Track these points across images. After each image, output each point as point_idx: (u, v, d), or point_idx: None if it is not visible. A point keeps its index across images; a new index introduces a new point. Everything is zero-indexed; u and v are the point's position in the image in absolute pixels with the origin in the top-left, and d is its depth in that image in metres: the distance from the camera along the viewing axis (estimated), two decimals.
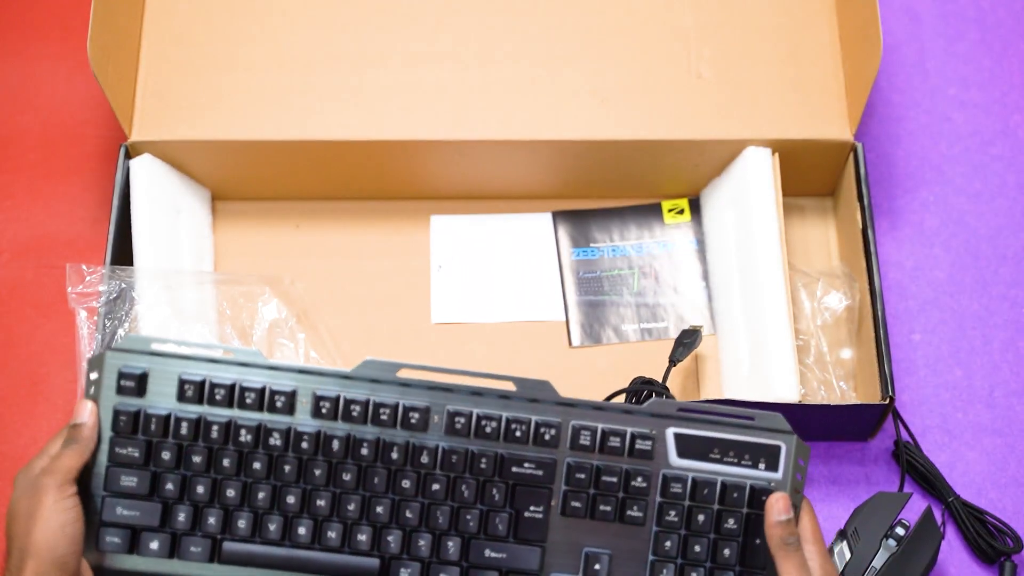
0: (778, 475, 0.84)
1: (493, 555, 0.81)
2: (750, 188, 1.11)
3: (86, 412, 0.83)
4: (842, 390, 1.11)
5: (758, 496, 0.83)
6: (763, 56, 1.15)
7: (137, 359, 0.83)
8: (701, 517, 0.83)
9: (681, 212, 1.19)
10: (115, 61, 1.10)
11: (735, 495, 0.83)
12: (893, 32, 1.28)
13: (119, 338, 1.05)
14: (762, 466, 0.84)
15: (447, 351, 1.14)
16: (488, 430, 0.82)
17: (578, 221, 1.20)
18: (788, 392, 1.05)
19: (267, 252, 1.19)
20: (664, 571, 0.82)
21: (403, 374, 0.83)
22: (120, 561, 0.82)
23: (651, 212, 1.20)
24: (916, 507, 1.08)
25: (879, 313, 1.07)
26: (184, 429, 0.82)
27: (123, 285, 1.06)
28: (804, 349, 1.11)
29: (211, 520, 0.82)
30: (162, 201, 1.13)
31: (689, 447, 0.83)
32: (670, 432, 0.83)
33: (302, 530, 0.81)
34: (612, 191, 1.19)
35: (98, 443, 0.82)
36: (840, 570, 1.00)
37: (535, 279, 1.18)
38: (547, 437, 0.82)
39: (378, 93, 1.14)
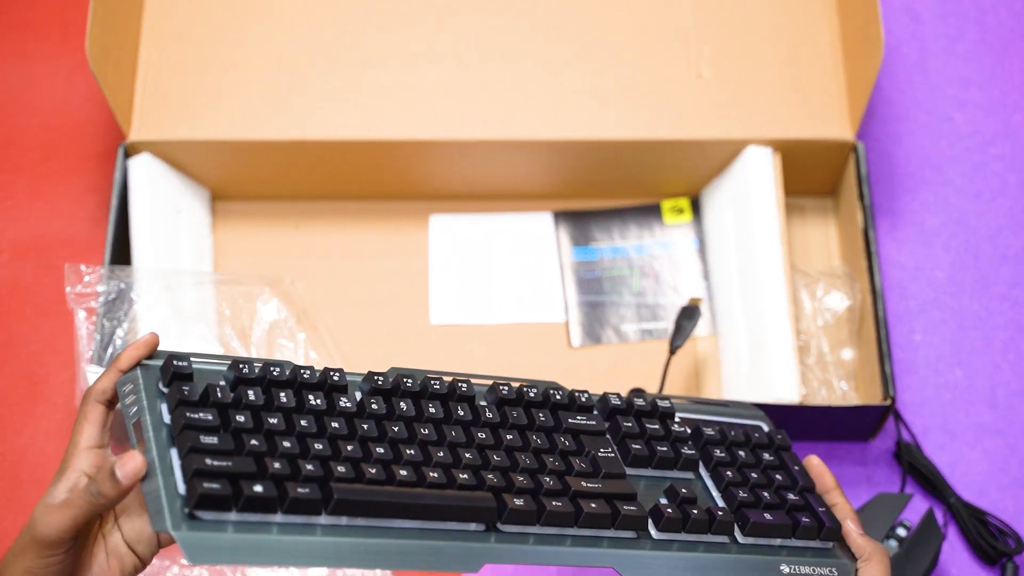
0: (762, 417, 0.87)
1: (591, 485, 0.77)
2: (751, 188, 1.11)
3: (132, 470, 0.66)
4: (843, 390, 1.10)
5: (774, 437, 0.85)
6: (764, 56, 1.15)
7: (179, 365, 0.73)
8: (742, 453, 0.83)
9: (681, 211, 1.19)
10: (114, 61, 1.10)
11: (756, 435, 0.84)
12: (894, 32, 1.28)
13: (118, 341, 1.05)
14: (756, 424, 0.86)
15: (446, 352, 1.14)
16: (531, 395, 0.80)
17: (578, 221, 1.19)
18: (789, 392, 1.05)
19: (267, 252, 1.19)
20: (741, 492, 0.80)
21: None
22: (218, 524, 0.67)
23: (651, 212, 1.19)
24: (917, 508, 1.08)
25: (880, 313, 1.07)
26: (252, 396, 0.72)
27: (122, 285, 1.06)
28: (805, 349, 1.11)
29: (309, 467, 0.70)
30: (161, 201, 1.12)
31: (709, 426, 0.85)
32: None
33: (403, 472, 0.73)
34: (612, 191, 1.19)
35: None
36: None
37: (535, 279, 1.17)
38: (583, 399, 0.82)
39: (378, 93, 1.14)
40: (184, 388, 0.70)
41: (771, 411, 1.03)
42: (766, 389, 1.06)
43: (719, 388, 1.11)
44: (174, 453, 0.69)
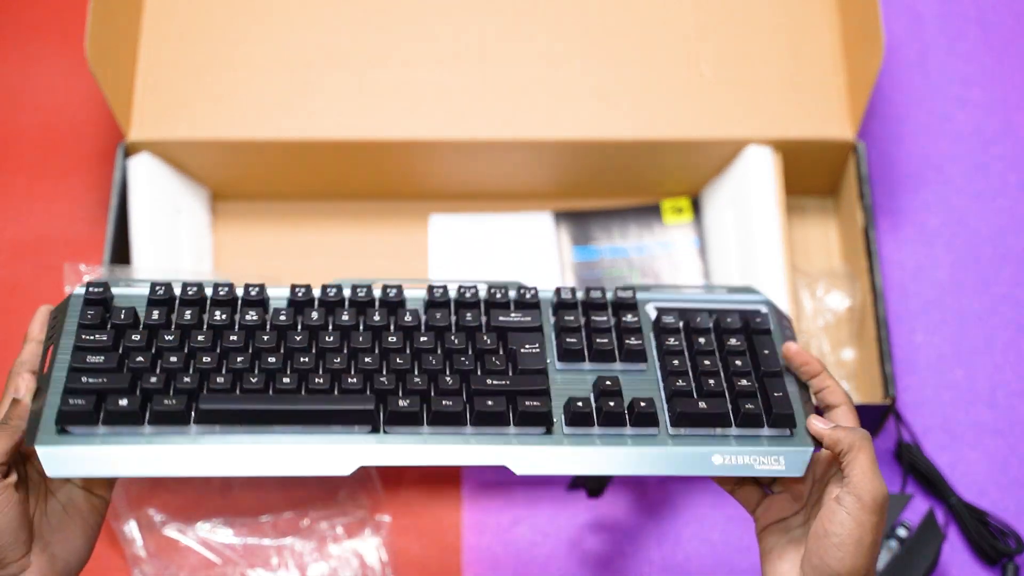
0: (765, 309, 0.82)
1: (495, 382, 0.74)
2: (751, 187, 1.11)
3: (24, 388, 0.73)
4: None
5: (752, 320, 0.80)
6: (764, 55, 1.15)
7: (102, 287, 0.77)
8: (702, 340, 0.78)
9: (681, 211, 1.19)
10: (113, 60, 1.10)
11: (729, 320, 0.79)
12: (895, 32, 1.28)
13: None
14: (747, 313, 0.81)
15: None
16: (468, 295, 0.78)
17: (578, 221, 1.19)
18: None
19: (267, 252, 1.19)
20: (679, 381, 0.76)
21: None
22: (81, 438, 0.71)
23: (651, 212, 1.19)
24: (918, 508, 1.08)
25: (880, 313, 1.07)
26: (155, 315, 0.75)
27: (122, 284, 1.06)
28: (805, 349, 1.11)
29: (185, 379, 0.72)
30: (161, 200, 1.12)
31: (670, 312, 0.81)
32: (650, 305, 0.81)
33: (286, 380, 0.73)
34: (612, 191, 1.19)
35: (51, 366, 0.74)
36: None
37: (535, 279, 1.17)
38: (528, 296, 0.78)
39: (378, 93, 1.14)
40: (89, 312, 0.75)
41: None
42: None
43: None
44: (64, 368, 0.73)
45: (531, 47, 1.16)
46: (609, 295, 0.80)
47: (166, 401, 0.71)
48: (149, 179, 1.12)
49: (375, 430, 0.73)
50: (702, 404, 0.75)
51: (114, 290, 0.78)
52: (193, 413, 0.72)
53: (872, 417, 1.06)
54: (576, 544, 1.07)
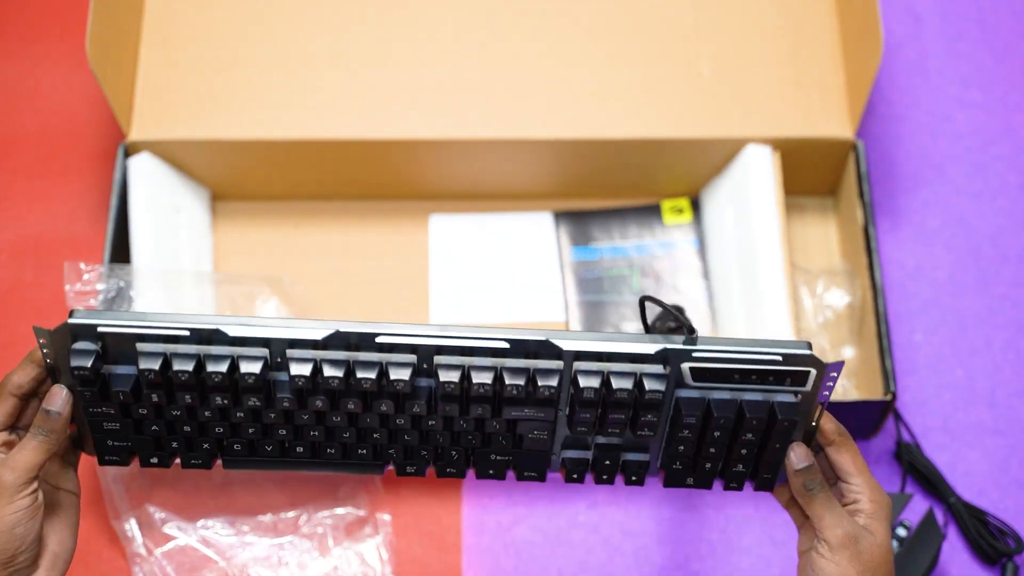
0: (806, 388, 0.75)
1: (498, 457, 0.79)
2: (751, 186, 1.11)
3: (59, 401, 0.74)
4: (844, 388, 1.10)
5: (780, 420, 0.75)
6: (764, 54, 1.15)
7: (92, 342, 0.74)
8: (717, 434, 0.76)
9: (681, 211, 1.19)
10: (114, 60, 1.10)
11: (754, 416, 0.75)
12: (894, 31, 1.28)
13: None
14: (788, 381, 0.75)
15: None
16: (480, 391, 0.75)
17: (578, 221, 1.19)
18: None
19: (267, 252, 1.19)
20: (682, 446, 0.77)
21: (670, 208, 0.79)
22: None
23: (651, 212, 1.19)
24: (918, 508, 1.08)
25: (880, 309, 1.07)
26: (155, 397, 0.75)
27: (121, 284, 1.06)
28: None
29: (206, 446, 0.78)
30: (161, 200, 1.12)
31: (706, 375, 0.76)
32: (685, 366, 0.75)
33: (299, 449, 0.79)
34: (612, 191, 1.19)
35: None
36: None
37: (535, 279, 1.17)
38: (545, 393, 0.75)
39: (378, 93, 1.14)
40: (86, 393, 0.75)
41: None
42: None
43: None
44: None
45: (531, 47, 1.16)
46: (631, 386, 0.75)
47: (193, 460, 0.81)
48: (149, 179, 1.12)
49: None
50: (689, 481, 0.80)
51: (103, 329, 0.74)
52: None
53: (872, 414, 1.06)
54: (576, 544, 1.07)
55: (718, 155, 1.14)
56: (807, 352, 0.75)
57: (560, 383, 0.75)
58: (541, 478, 0.80)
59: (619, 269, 1.17)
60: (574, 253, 1.18)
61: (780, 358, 0.75)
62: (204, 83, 1.14)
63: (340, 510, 1.07)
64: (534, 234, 1.19)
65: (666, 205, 1.20)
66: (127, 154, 1.12)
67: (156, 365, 0.74)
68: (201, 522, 1.06)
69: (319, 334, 0.74)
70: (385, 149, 1.14)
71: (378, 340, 0.74)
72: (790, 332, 1.06)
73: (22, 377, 0.75)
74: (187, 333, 0.74)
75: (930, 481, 1.09)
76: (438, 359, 0.75)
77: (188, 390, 0.75)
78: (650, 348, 0.75)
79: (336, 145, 1.13)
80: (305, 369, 0.74)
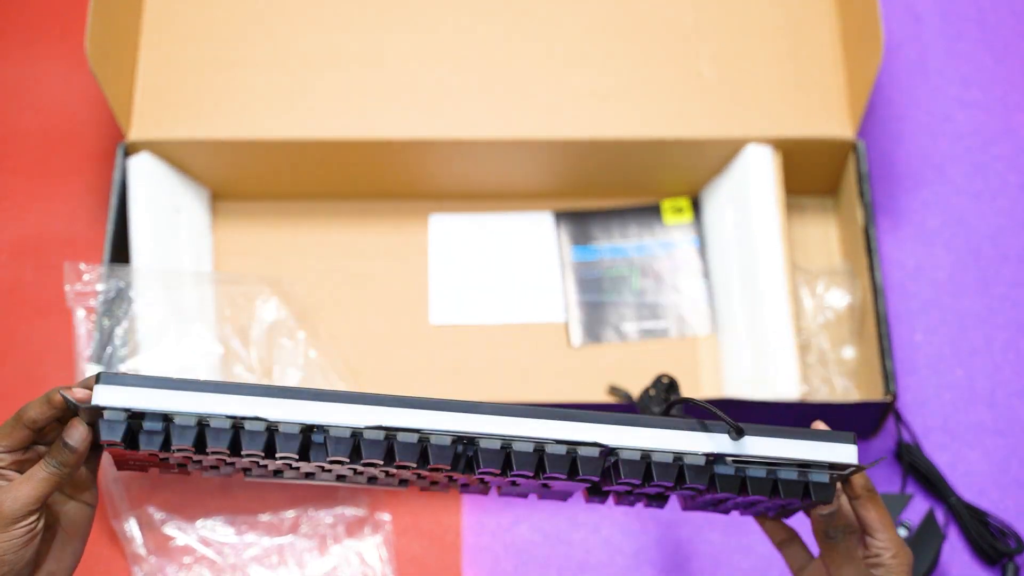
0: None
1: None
2: (751, 186, 1.11)
3: (79, 435, 0.70)
4: (844, 388, 1.10)
5: (816, 491, 0.73)
6: (764, 54, 1.15)
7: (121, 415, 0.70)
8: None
9: (681, 211, 1.19)
10: (114, 60, 1.10)
11: (788, 498, 0.74)
12: (894, 31, 1.28)
13: (116, 340, 1.05)
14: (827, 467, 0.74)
15: (446, 352, 1.14)
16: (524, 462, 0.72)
17: (578, 221, 1.19)
18: (790, 390, 1.05)
19: (267, 252, 1.19)
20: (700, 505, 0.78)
21: (670, 207, 0.76)
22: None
23: (651, 212, 1.19)
24: (918, 508, 1.08)
25: (881, 309, 1.07)
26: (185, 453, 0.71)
27: (121, 284, 1.06)
28: (805, 347, 1.11)
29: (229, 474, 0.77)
30: (161, 200, 1.12)
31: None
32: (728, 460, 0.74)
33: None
34: (612, 191, 1.19)
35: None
36: None
37: (535, 279, 1.17)
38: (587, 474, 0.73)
39: (378, 93, 1.14)
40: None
41: (772, 409, 1.03)
42: (767, 387, 1.06)
43: (720, 387, 1.11)
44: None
45: (531, 47, 1.16)
46: (672, 476, 0.74)
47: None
48: (149, 179, 1.12)
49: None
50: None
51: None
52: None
53: (872, 414, 1.06)
54: (576, 544, 1.07)
55: (718, 155, 1.14)
56: (853, 463, 0.73)
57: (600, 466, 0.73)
58: (563, 497, 0.79)
59: (619, 269, 1.17)
60: (574, 253, 1.18)
61: (826, 477, 0.74)
62: (204, 83, 1.14)
63: (340, 510, 1.07)
64: (534, 234, 1.19)
65: (666, 205, 1.20)
66: (127, 154, 1.12)
67: (189, 442, 0.70)
68: (201, 522, 1.06)
69: (358, 418, 0.70)
70: (385, 149, 1.13)
71: (419, 427, 0.71)
72: (791, 331, 1.06)
73: (38, 414, 0.71)
74: (226, 424, 0.70)
75: (930, 481, 1.09)
76: (482, 443, 0.72)
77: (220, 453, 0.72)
78: (697, 449, 0.73)
79: (336, 145, 1.13)
80: (344, 448, 0.71)
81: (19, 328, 1.16)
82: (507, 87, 1.14)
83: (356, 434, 0.70)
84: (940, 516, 1.08)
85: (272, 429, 0.70)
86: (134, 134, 1.12)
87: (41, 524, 0.71)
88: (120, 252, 1.10)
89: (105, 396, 0.68)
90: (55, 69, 1.27)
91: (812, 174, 1.16)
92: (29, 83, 1.27)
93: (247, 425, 0.70)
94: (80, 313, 1.05)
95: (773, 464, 0.73)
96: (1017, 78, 1.27)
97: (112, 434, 0.69)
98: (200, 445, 0.70)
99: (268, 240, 1.19)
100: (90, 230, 1.19)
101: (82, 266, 1.06)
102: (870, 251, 1.09)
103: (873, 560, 0.76)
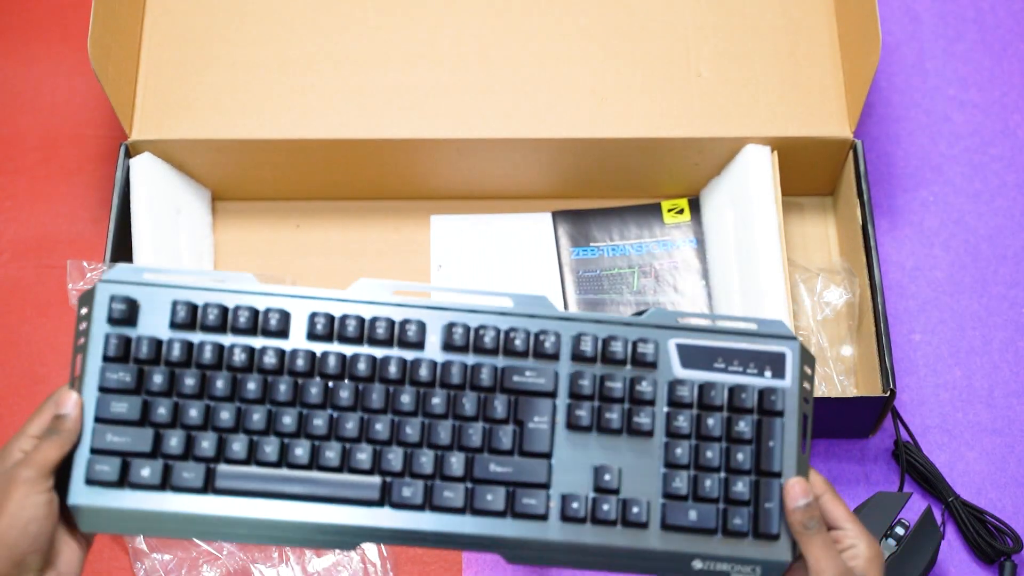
0: (785, 382, 0.81)
1: (498, 469, 0.79)
2: (750, 186, 1.11)
3: (70, 403, 0.78)
4: (843, 385, 1.11)
5: (767, 399, 0.80)
6: (762, 55, 1.15)
7: (128, 289, 0.80)
8: (711, 421, 0.80)
9: (680, 211, 1.19)
10: (116, 60, 1.10)
11: (743, 396, 0.80)
12: (892, 31, 1.28)
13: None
14: (768, 373, 0.81)
15: None
16: (487, 340, 0.80)
17: (578, 221, 1.20)
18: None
19: (267, 252, 1.19)
20: (676, 480, 0.79)
21: (399, 295, 0.82)
22: (109, 499, 0.77)
23: (651, 212, 1.20)
24: (916, 507, 1.08)
25: (879, 307, 1.07)
26: (176, 352, 0.79)
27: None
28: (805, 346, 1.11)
29: (204, 444, 0.78)
30: (162, 200, 1.13)
31: (693, 357, 0.81)
32: (672, 343, 0.81)
33: (299, 451, 0.79)
34: (612, 191, 1.20)
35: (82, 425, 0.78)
36: None
37: (535, 279, 1.18)
38: (547, 345, 0.80)
39: (378, 93, 1.14)
40: (113, 341, 0.79)
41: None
42: None
43: None
44: (92, 413, 0.79)
45: (531, 47, 1.16)
46: (627, 349, 0.81)
47: (185, 474, 0.78)
48: (150, 179, 1.12)
49: (379, 503, 0.79)
50: (692, 514, 0.79)
51: (138, 294, 0.80)
52: (211, 483, 0.79)
53: (871, 411, 1.06)
54: None
55: (718, 155, 1.14)
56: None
57: (558, 343, 0.81)
58: (541, 518, 0.79)
59: (619, 269, 1.18)
60: (574, 253, 1.18)
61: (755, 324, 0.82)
62: (205, 83, 1.14)
63: None
64: (534, 234, 1.20)
65: (666, 205, 1.20)
66: (128, 154, 1.13)
67: (184, 313, 0.79)
68: None
69: (343, 293, 0.81)
70: (385, 149, 1.14)
71: (395, 293, 0.81)
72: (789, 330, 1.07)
73: (53, 457, 0.76)
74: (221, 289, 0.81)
75: (928, 480, 1.09)
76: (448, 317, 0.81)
77: (210, 332, 0.80)
78: (641, 320, 0.82)
79: (336, 145, 1.13)
80: (324, 320, 0.80)
81: (21, 327, 1.16)
82: (507, 87, 1.14)
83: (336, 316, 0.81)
84: (938, 515, 1.08)
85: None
86: (136, 134, 1.12)
87: (56, 498, 0.76)
88: (122, 252, 1.10)
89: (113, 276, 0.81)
90: (57, 70, 1.27)
91: (811, 174, 1.17)
92: (31, 83, 1.27)
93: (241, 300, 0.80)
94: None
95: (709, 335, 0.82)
96: (1015, 78, 1.27)
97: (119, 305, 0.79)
98: (191, 316, 0.80)
99: (268, 240, 1.19)
100: (92, 230, 1.19)
101: (85, 264, 1.06)
102: (868, 250, 1.10)
103: (849, 552, 0.77)
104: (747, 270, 1.11)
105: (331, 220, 1.20)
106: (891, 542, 1.02)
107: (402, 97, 1.14)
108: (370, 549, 1.05)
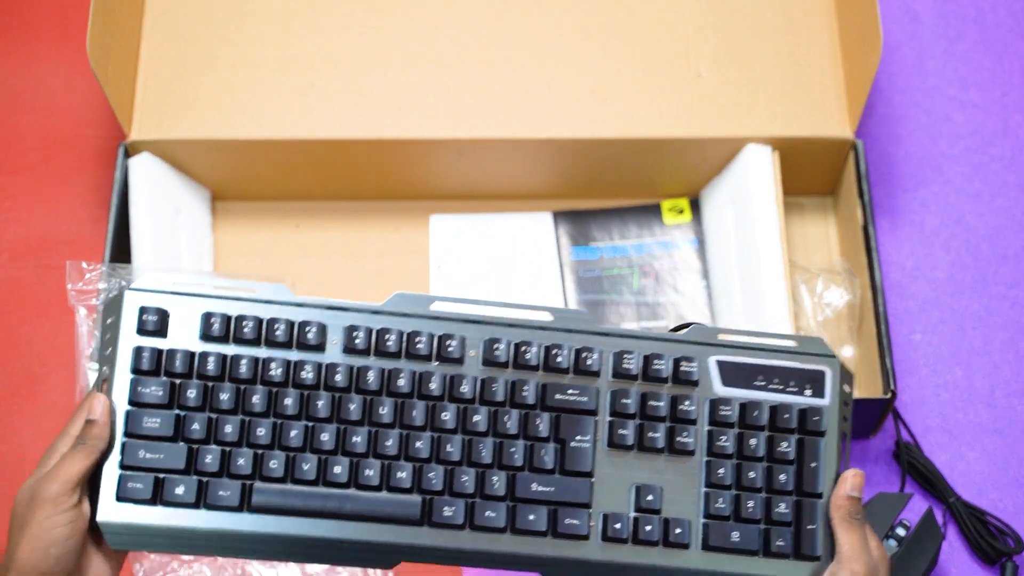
0: (825, 401, 0.81)
1: (541, 488, 0.78)
2: (750, 186, 1.11)
3: (99, 408, 0.76)
4: None
5: (810, 419, 0.80)
6: (763, 55, 1.15)
7: (158, 299, 0.78)
8: (753, 442, 0.79)
9: (681, 211, 1.19)
10: (115, 60, 1.10)
11: (786, 416, 0.80)
12: (893, 31, 1.28)
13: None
14: (808, 392, 0.81)
15: None
16: (528, 356, 0.79)
17: (578, 221, 1.19)
18: None
19: (267, 252, 1.19)
20: (719, 501, 0.79)
21: (436, 307, 0.81)
22: (142, 516, 0.75)
23: (651, 212, 1.20)
24: (917, 508, 1.08)
25: (880, 308, 1.07)
26: (210, 366, 0.77)
27: (123, 283, 1.06)
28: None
29: (240, 461, 0.76)
30: (161, 200, 1.13)
31: (733, 374, 0.81)
32: (712, 360, 0.81)
33: (338, 469, 0.77)
34: (612, 191, 1.19)
35: (112, 435, 0.77)
36: None
37: (535, 279, 1.18)
38: (589, 362, 0.79)
39: (378, 93, 1.14)
40: (144, 354, 0.77)
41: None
42: None
43: None
44: (121, 428, 0.77)
45: (531, 47, 1.16)
46: (669, 367, 0.80)
47: (221, 492, 0.76)
48: (150, 179, 1.12)
49: (419, 522, 0.78)
50: (735, 535, 0.78)
51: (168, 304, 0.79)
52: (247, 500, 0.77)
53: (872, 412, 1.06)
54: None
55: (718, 155, 1.14)
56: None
57: (600, 360, 0.80)
58: (583, 533, 0.78)
59: (619, 269, 1.18)
60: (574, 253, 1.18)
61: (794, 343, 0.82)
62: (204, 83, 1.14)
63: None
64: (534, 234, 1.19)
65: (666, 205, 1.20)
66: (128, 154, 1.13)
67: (218, 325, 0.78)
68: None
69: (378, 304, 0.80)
70: (385, 149, 1.14)
71: (432, 308, 0.80)
72: (789, 330, 1.06)
73: (78, 471, 0.75)
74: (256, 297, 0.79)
75: (929, 481, 1.09)
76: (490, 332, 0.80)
77: (244, 345, 0.79)
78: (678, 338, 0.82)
79: (336, 145, 1.13)
80: (363, 335, 0.79)
81: (20, 327, 1.16)
82: (507, 87, 1.14)
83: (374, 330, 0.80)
84: (939, 515, 1.08)
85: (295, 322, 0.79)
86: (135, 134, 1.12)
87: (86, 508, 0.74)
88: (121, 252, 1.10)
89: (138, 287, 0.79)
90: (56, 69, 1.27)
91: (811, 174, 1.17)
92: (30, 83, 1.27)
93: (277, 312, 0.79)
94: (81, 312, 1.05)
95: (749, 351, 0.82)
96: (1015, 78, 1.27)
97: (151, 317, 0.78)
98: (226, 329, 0.78)
99: (268, 240, 1.19)
100: (91, 230, 1.19)
101: (84, 265, 1.06)
102: (869, 250, 1.10)
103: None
104: (748, 270, 1.11)
105: (331, 220, 1.20)
106: (892, 543, 1.02)
107: (402, 97, 1.14)
108: None
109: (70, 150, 1.24)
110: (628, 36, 1.16)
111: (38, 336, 1.15)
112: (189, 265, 1.13)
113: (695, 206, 1.20)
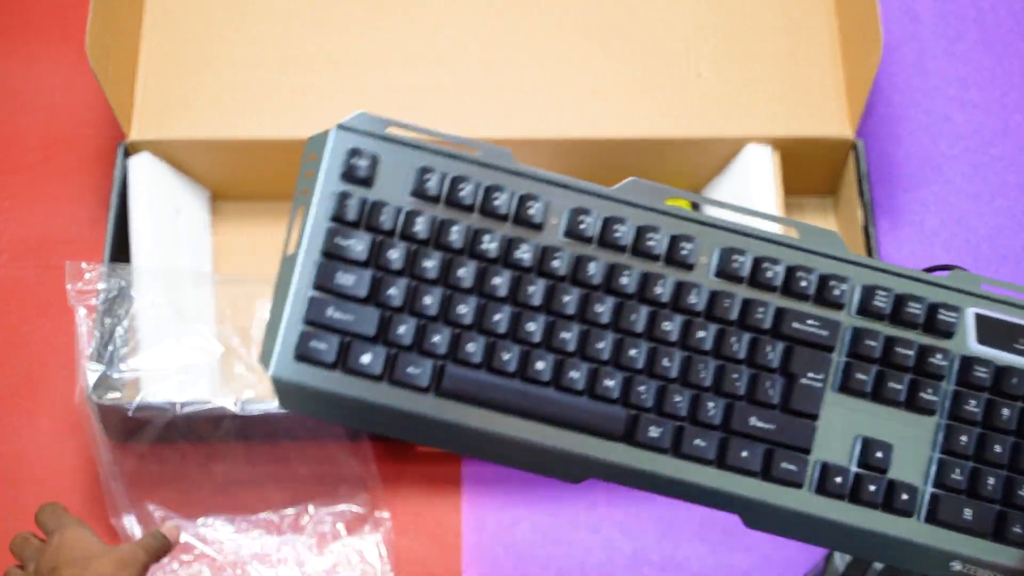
0: None
1: (759, 424, 0.68)
2: (751, 186, 1.11)
3: (174, 533, 0.87)
4: None
5: None
6: (763, 54, 1.15)
7: (370, 143, 0.70)
8: (1006, 412, 0.69)
9: None
10: (114, 60, 1.10)
11: None
12: (893, 31, 1.28)
13: (117, 339, 1.05)
14: None
15: None
16: (769, 275, 0.69)
17: None
18: None
19: (267, 252, 1.18)
20: (955, 472, 0.69)
21: (672, 203, 0.72)
22: (320, 379, 0.67)
23: None
24: None
25: None
26: (418, 226, 0.68)
27: (123, 283, 1.06)
28: None
29: (436, 338, 0.67)
30: (161, 200, 1.13)
31: (992, 332, 0.70)
32: (971, 312, 0.71)
33: (540, 364, 0.68)
34: None
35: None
36: (841, 571, 0.99)
37: None
38: (836, 292, 0.70)
39: (378, 93, 1.14)
40: (352, 196, 0.68)
41: None
42: None
43: None
44: (310, 278, 0.68)
45: (531, 47, 1.16)
46: (924, 312, 0.71)
47: (411, 369, 0.67)
48: (149, 179, 1.12)
49: (621, 439, 0.69)
50: (967, 512, 0.69)
51: (380, 150, 0.70)
52: (437, 382, 0.68)
53: None
54: (576, 544, 1.07)
55: (718, 154, 1.14)
56: None
57: (848, 292, 0.70)
58: (798, 480, 0.69)
59: None
60: None
61: None
62: (204, 83, 1.14)
63: (340, 507, 1.07)
64: None
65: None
66: (127, 154, 1.13)
67: (434, 182, 0.69)
68: (201, 520, 1.06)
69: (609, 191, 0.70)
70: None
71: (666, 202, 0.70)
72: None
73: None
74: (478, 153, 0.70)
75: None
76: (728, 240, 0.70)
77: (457, 210, 0.69)
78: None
79: None
80: (591, 220, 0.69)
81: (20, 327, 1.16)
82: (507, 87, 1.14)
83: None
84: None
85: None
86: (134, 134, 1.12)
87: None
88: (120, 252, 1.10)
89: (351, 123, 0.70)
90: (56, 69, 1.27)
91: (812, 174, 1.17)
92: (30, 83, 1.27)
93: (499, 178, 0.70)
94: (81, 312, 1.05)
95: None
96: (1016, 78, 1.27)
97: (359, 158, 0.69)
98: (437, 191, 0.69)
99: (268, 240, 1.19)
100: (90, 230, 1.19)
101: (83, 265, 1.06)
102: (870, 250, 1.10)
103: None
104: None
105: None
106: None
107: (402, 97, 1.14)
108: (369, 551, 1.05)
109: (70, 150, 1.24)
110: (628, 36, 1.16)
111: (38, 336, 1.15)
112: (189, 265, 1.13)
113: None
